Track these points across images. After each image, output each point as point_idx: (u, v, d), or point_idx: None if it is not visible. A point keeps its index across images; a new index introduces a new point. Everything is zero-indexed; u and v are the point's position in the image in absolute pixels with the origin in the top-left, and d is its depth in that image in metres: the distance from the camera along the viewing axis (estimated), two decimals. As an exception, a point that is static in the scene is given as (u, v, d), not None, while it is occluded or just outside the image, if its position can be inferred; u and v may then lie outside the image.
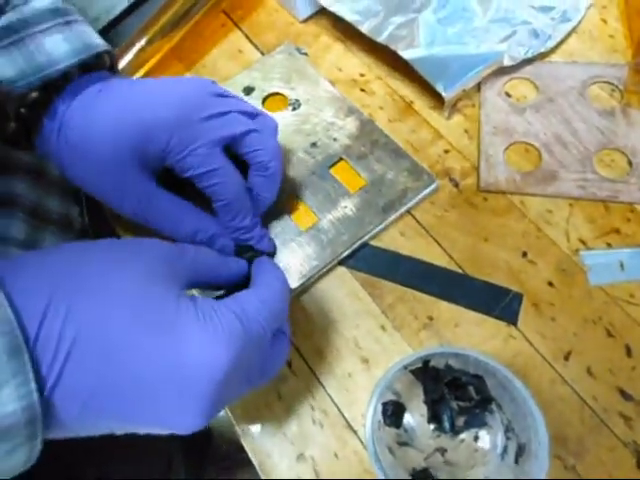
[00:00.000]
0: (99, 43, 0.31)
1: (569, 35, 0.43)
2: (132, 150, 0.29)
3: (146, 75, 0.44)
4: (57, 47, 0.29)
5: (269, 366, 0.26)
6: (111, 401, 0.20)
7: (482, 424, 0.29)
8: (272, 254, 0.35)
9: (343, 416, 0.31)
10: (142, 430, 0.22)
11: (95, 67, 0.32)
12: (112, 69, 0.34)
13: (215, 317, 0.22)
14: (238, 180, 0.32)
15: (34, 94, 0.29)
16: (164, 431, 0.22)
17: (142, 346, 0.20)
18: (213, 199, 0.31)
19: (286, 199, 0.37)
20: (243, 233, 0.33)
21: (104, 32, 0.44)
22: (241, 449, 0.31)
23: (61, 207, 0.37)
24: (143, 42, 0.43)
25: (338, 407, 0.31)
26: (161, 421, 0.21)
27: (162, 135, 0.29)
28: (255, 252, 0.33)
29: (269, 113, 0.39)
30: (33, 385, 0.18)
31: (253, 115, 0.33)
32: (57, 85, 0.30)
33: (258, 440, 0.31)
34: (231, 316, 0.23)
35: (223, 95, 0.32)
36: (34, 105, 0.30)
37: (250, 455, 0.31)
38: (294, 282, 0.34)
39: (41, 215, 0.34)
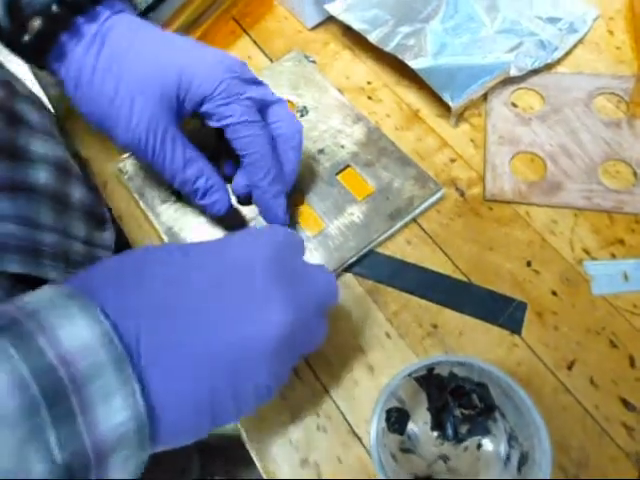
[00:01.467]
0: None
1: (576, 46, 0.43)
2: (177, 81, 0.30)
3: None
4: None
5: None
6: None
7: (485, 432, 0.29)
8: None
9: (347, 422, 0.31)
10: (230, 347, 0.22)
11: None
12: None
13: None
14: (270, 140, 0.33)
15: None
16: (255, 336, 0.22)
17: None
18: (244, 152, 0.32)
19: (294, 205, 0.37)
20: (270, 198, 0.33)
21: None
22: (243, 447, 0.31)
23: (84, 197, 0.38)
24: (154, 48, 0.43)
25: (342, 413, 0.31)
26: (246, 318, 0.22)
27: (213, 78, 0.30)
28: None
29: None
30: (138, 394, 0.18)
31: None
32: None
33: (263, 444, 0.31)
34: None
35: None
36: (72, 4, 0.29)
37: (255, 459, 0.31)
38: (300, 288, 0.34)
39: (64, 201, 0.35)
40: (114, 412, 0.18)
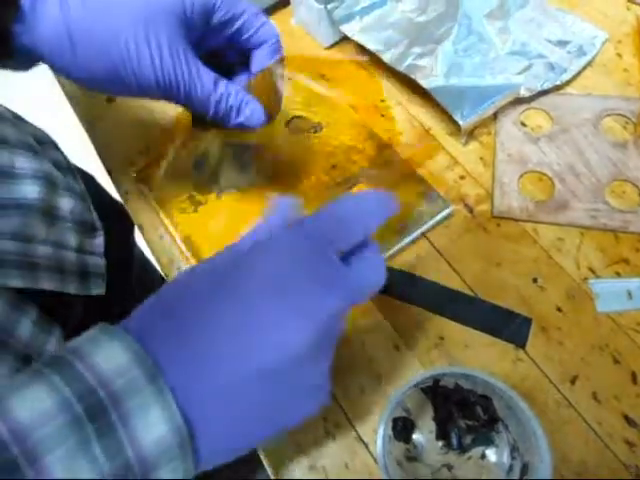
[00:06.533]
0: None
1: (584, 68, 0.44)
2: (180, 4, 0.29)
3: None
4: None
5: None
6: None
7: (489, 443, 0.30)
8: None
9: (355, 429, 0.32)
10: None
11: None
12: None
13: None
14: None
15: None
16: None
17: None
18: (263, 42, 0.32)
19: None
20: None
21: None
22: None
23: (73, 207, 0.39)
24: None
25: (350, 420, 0.32)
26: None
27: None
28: None
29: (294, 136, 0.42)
30: (174, 406, 0.19)
31: None
32: None
33: (273, 448, 0.32)
34: None
35: None
36: None
37: (265, 462, 0.32)
38: (312, 298, 0.35)
39: (54, 213, 0.36)
40: (153, 424, 0.19)
